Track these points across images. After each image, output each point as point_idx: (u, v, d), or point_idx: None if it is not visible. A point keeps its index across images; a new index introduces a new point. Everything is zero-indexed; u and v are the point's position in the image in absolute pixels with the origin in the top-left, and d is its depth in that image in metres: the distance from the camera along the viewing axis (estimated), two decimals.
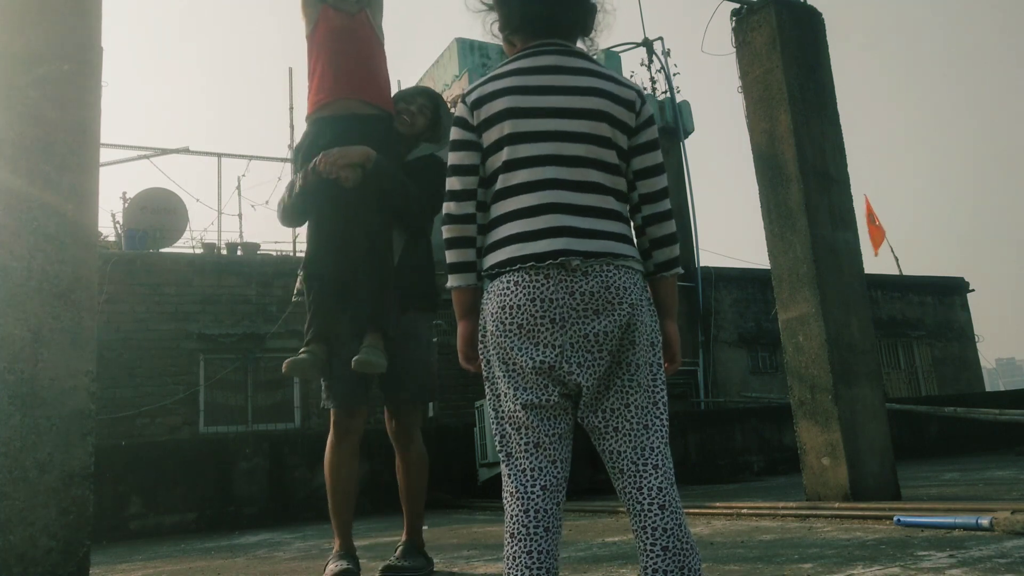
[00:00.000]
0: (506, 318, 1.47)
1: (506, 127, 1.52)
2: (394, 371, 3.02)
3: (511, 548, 1.43)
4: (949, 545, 2.71)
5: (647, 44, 13.46)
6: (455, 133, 1.58)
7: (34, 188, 2.86)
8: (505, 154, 1.52)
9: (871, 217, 15.31)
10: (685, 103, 13.41)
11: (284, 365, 2.96)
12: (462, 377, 10.29)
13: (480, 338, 1.57)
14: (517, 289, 1.46)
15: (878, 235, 15.15)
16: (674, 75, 13.48)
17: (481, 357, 1.57)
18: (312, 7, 3.25)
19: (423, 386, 3.16)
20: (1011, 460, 7.70)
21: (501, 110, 1.52)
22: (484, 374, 1.56)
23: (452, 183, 1.56)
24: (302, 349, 3.02)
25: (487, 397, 1.58)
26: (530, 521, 1.43)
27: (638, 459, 1.47)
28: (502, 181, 1.52)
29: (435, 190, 3.19)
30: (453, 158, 1.57)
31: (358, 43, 3.21)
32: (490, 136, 1.53)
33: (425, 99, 3.40)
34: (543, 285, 1.45)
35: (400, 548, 3.11)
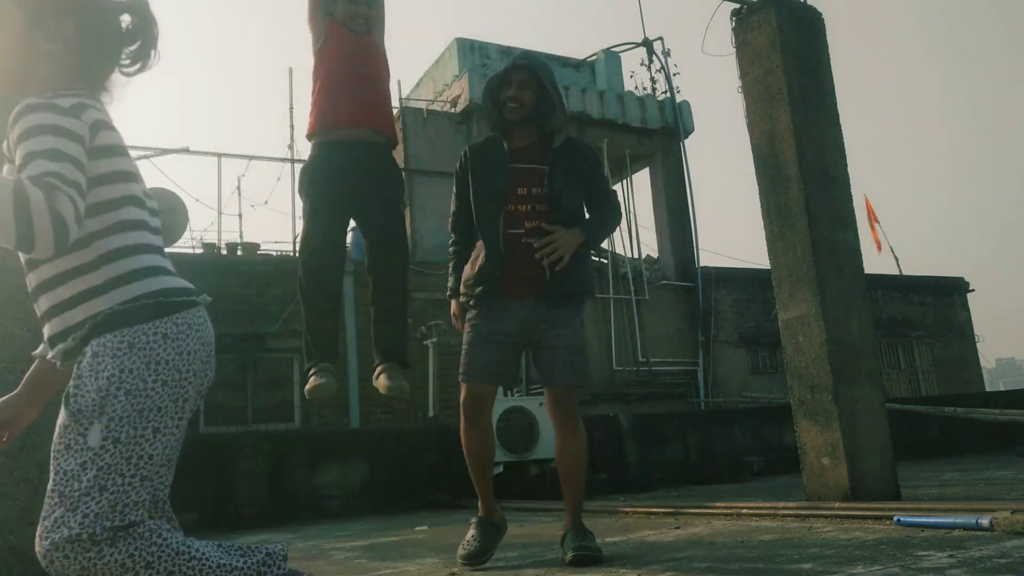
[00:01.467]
0: None
1: None
2: (549, 362, 3.06)
3: None
4: (949, 545, 2.71)
5: (647, 44, 13.45)
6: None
7: None
8: None
9: (872, 219, 15.35)
10: (685, 103, 13.41)
11: (307, 392, 3.01)
12: None
13: None
14: None
15: (875, 235, 15.24)
16: (674, 75, 13.49)
17: None
18: (320, 22, 3.21)
19: (575, 372, 3.10)
20: (1011, 460, 7.70)
21: None
22: None
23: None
24: (312, 372, 3.02)
25: None
26: None
27: None
28: None
29: (595, 179, 3.23)
30: None
31: (369, 68, 3.21)
32: None
33: (524, 74, 3.07)
34: None
35: (570, 533, 3.02)
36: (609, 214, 3.23)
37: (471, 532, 3.10)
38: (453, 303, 3.26)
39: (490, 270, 3.05)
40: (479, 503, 3.20)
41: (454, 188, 3.30)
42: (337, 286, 3.16)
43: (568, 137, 3.21)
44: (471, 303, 3.12)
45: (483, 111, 3.25)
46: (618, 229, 12.53)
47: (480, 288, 3.06)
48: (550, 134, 3.16)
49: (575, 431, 3.09)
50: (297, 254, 3.20)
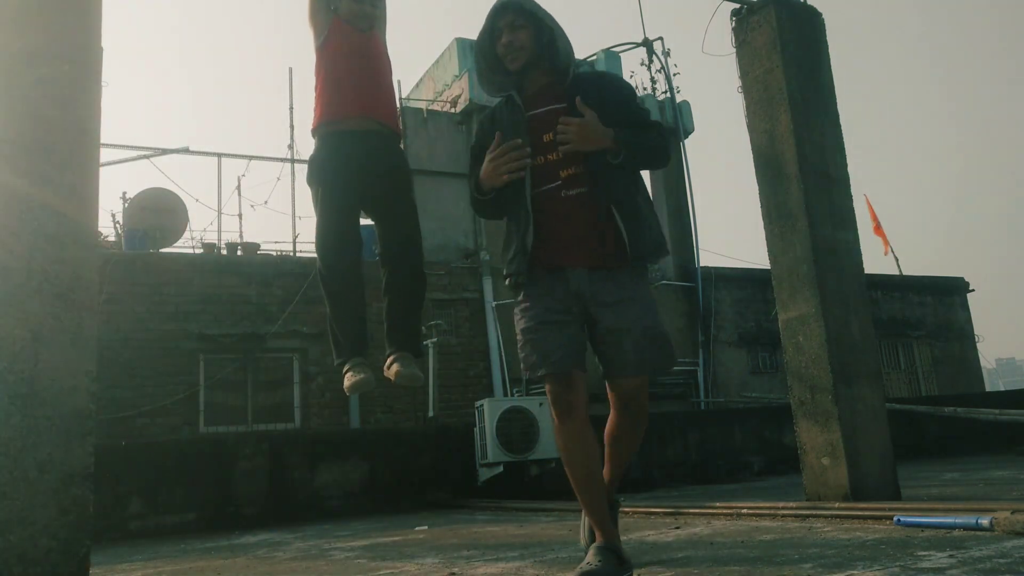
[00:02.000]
0: None
1: None
2: (615, 346, 2.59)
3: None
4: (949, 545, 2.71)
5: (647, 44, 13.44)
6: None
7: (34, 188, 2.85)
8: None
9: (876, 221, 15.37)
10: (685, 103, 13.40)
11: (347, 390, 2.92)
12: (462, 377, 10.29)
13: None
14: None
15: (882, 235, 15.28)
16: (674, 75, 13.47)
17: None
18: (323, 19, 3.22)
19: (651, 358, 2.63)
20: (1011, 460, 7.71)
21: None
22: None
23: None
24: (347, 368, 2.95)
25: None
26: None
27: None
28: None
29: (626, 108, 2.72)
30: None
31: (372, 62, 3.22)
32: None
33: (511, 15, 2.70)
34: None
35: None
36: (647, 134, 2.70)
37: (590, 555, 2.46)
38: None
39: (522, 241, 2.64)
40: (596, 530, 2.53)
41: (470, 162, 2.85)
42: (358, 276, 3.09)
43: (591, 70, 2.94)
44: (512, 284, 2.69)
45: (482, 81, 2.86)
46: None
47: (516, 264, 2.64)
48: (565, 71, 2.74)
49: (644, 429, 2.76)
50: (314, 248, 3.16)
